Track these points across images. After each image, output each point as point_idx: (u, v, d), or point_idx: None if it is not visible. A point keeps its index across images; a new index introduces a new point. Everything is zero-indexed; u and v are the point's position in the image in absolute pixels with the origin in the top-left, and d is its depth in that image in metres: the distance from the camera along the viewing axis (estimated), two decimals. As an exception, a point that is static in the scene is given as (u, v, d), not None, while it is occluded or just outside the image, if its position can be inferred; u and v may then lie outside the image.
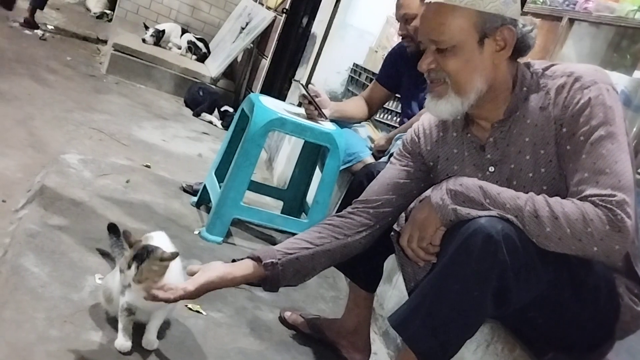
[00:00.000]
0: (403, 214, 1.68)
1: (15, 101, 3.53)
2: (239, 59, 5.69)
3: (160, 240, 1.65)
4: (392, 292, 2.17)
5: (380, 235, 1.72)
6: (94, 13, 7.63)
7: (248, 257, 1.55)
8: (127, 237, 1.54)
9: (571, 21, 2.53)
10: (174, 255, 1.51)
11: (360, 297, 1.90)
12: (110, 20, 7.16)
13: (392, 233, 1.64)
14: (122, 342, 1.58)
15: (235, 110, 4.80)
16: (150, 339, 1.63)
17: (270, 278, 1.54)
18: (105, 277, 1.76)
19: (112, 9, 7.22)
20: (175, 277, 1.57)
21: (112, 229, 1.92)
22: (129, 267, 1.49)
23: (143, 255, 1.49)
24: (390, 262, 2.00)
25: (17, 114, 3.33)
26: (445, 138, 1.55)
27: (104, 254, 1.99)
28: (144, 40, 5.55)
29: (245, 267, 1.52)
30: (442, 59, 1.37)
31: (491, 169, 1.44)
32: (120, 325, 1.59)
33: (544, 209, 1.24)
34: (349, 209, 1.64)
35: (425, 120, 1.62)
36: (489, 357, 1.58)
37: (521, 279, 1.26)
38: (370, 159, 2.64)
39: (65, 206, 2.29)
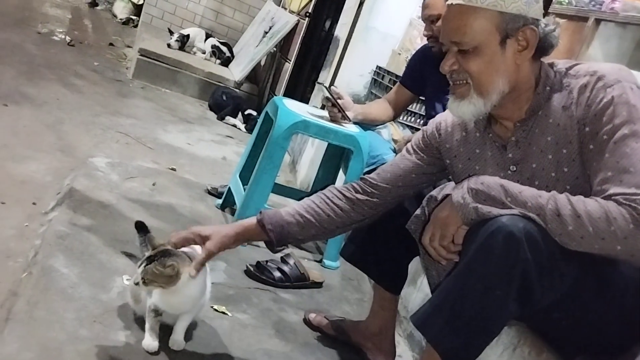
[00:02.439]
0: (419, 210, 1.69)
1: (45, 106, 3.60)
2: (262, 63, 5.73)
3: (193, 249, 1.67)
4: (417, 295, 2.17)
5: (406, 238, 1.73)
6: (120, 19, 7.75)
7: (255, 219, 1.63)
8: (151, 240, 1.57)
9: (597, 22, 2.50)
10: (174, 270, 1.52)
11: (385, 299, 1.90)
12: (135, 26, 7.26)
13: (408, 224, 1.65)
14: (150, 342, 1.60)
15: (259, 114, 4.84)
16: (177, 339, 1.65)
17: (271, 243, 1.64)
18: (133, 278, 1.78)
19: (138, 14, 7.33)
20: (199, 284, 1.60)
21: (140, 227, 1.94)
22: (140, 265, 1.52)
23: (153, 258, 1.52)
24: (415, 264, 1.99)
25: (47, 118, 3.40)
26: (467, 138, 1.55)
27: (131, 256, 2.01)
28: (169, 45, 5.62)
29: (250, 231, 1.63)
30: (464, 60, 1.37)
31: (513, 168, 1.43)
32: (147, 326, 1.62)
33: (566, 207, 1.23)
34: (355, 188, 1.67)
35: (448, 117, 1.62)
36: (515, 360, 1.56)
37: (544, 278, 1.25)
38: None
39: (94, 208, 2.33)
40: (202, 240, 1.57)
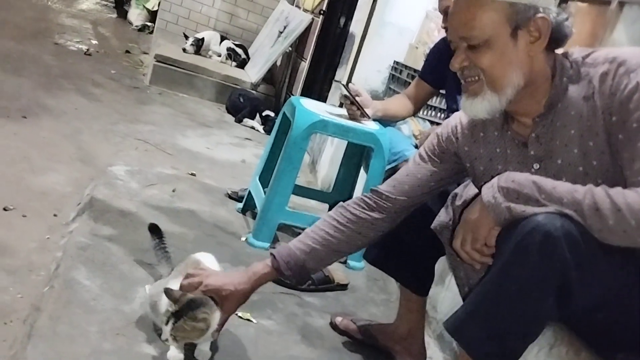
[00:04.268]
0: (443, 209, 1.64)
1: (63, 116, 3.61)
2: (278, 63, 5.69)
3: (206, 261, 1.64)
4: (445, 294, 2.11)
5: (431, 238, 1.68)
6: (136, 26, 7.78)
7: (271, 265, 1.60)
8: (170, 294, 1.49)
9: (621, 4, 2.41)
10: (207, 323, 1.48)
11: (412, 301, 1.85)
12: (151, 32, 7.28)
13: (433, 225, 1.60)
14: (175, 354, 1.57)
15: (277, 115, 4.80)
16: (202, 349, 1.61)
17: (290, 279, 1.62)
18: (150, 287, 1.76)
19: (153, 21, 7.35)
20: None
21: (154, 229, 1.92)
22: (167, 322, 1.47)
23: (182, 313, 1.46)
24: (442, 263, 1.94)
25: (66, 128, 3.40)
26: (486, 137, 1.49)
27: (152, 266, 1.98)
28: (184, 50, 5.61)
29: (268, 278, 1.61)
30: (475, 55, 1.31)
31: (536, 165, 1.36)
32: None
33: (604, 201, 1.16)
34: (370, 205, 1.62)
35: (463, 118, 1.56)
36: (552, 361, 1.50)
37: (585, 278, 1.19)
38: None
39: (114, 218, 2.31)
40: (221, 300, 1.53)
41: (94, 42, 6.21)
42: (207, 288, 1.52)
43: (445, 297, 2.10)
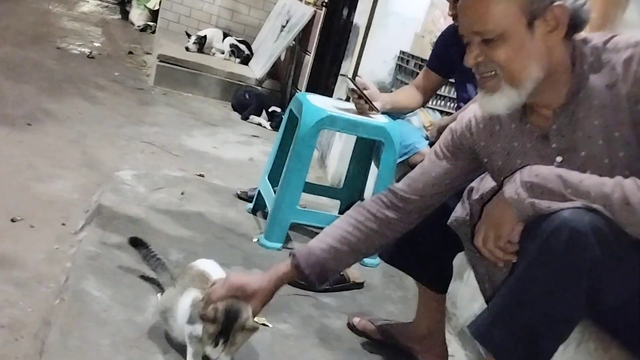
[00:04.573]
0: (460, 204, 1.59)
1: (67, 121, 3.57)
2: (282, 58, 5.63)
3: (208, 268, 1.59)
4: (464, 290, 2.05)
5: (447, 233, 1.63)
6: (138, 26, 7.73)
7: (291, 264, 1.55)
8: (206, 317, 1.43)
9: (633, -17, 2.34)
10: (254, 329, 1.45)
11: (431, 299, 1.80)
12: (153, 32, 7.23)
13: (450, 221, 1.57)
14: None
15: (283, 110, 4.76)
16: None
17: (312, 283, 1.59)
18: (162, 296, 1.71)
19: (155, 20, 7.29)
20: None
21: (135, 242, 1.87)
22: (216, 344, 1.42)
23: (229, 329, 1.42)
24: (459, 258, 1.88)
25: (70, 133, 3.36)
26: (502, 131, 1.42)
27: (147, 279, 1.92)
28: (187, 49, 5.56)
29: (289, 277, 1.57)
30: (490, 50, 1.24)
31: (559, 159, 1.30)
32: (190, 350, 1.54)
33: (635, 194, 1.10)
34: (386, 203, 1.57)
35: (477, 112, 1.50)
36: (581, 357, 1.45)
37: (615, 274, 1.13)
38: (427, 150, 2.53)
39: (123, 224, 2.27)
40: (247, 298, 1.49)
41: (97, 44, 6.16)
42: (232, 286, 1.47)
43: (464, 292, 2.05)
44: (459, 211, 1.60)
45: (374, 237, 1.58)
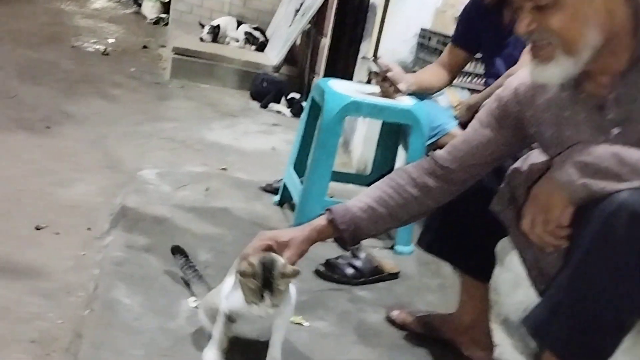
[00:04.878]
0: (502, 187, 1.50)
1: (86, 122, 3.54)
2: (298, 43, 5.53)
3: None
4: (506, 276, 1.96)
5: (490, 219, 1.54)
6: (150, 19, 7.67)
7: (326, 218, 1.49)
8: (244, 272, 1.35)
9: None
10: (295, 272, 1.39)
11: (474, 288, 1.71)
12: (167, 24, 7.16)
13: (492, 205, 1.49)
14: (213, 352, 1.47)
15: (302, 96, 4.68)
16: (274, 355, 1.49)
17: (344, 242, 1.52)
18: (206, 297, 1.64)
19: (167, 12, 7.22)
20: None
21: (176, 250, 1.85)
22: (261, 297, 1.35)
23: (269, 278, 1.36)
24: (500, 243, 1.79)
25: (90, 134, 3.33)
26: (553, 100, 1.33)
27: (186, 282, 1.86)
28: (201, 39, 5.49)
29: (323, 233, 1.50)
30: (543, 17, 1.15)
31: (615, 130, 1.20)
32: (215, 336, 1.48)
33: None
34: (427, 170, 1.50)
35: (526, 78, 1.40)
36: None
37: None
38: (457, 130, 2.44)
39: (149, 226, 2.22)
40: (280, 247, 1.44)
41: (111, 40, 6.11)
42: (265, 237, 1.43)
43: (506, 278, 1.96)
44: (502, 195, 1.52)
45: (413, 203, 1.50)
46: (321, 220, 1.49)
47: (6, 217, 2.25)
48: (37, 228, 2.19)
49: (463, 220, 1.63)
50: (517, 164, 1.52)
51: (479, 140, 1.47)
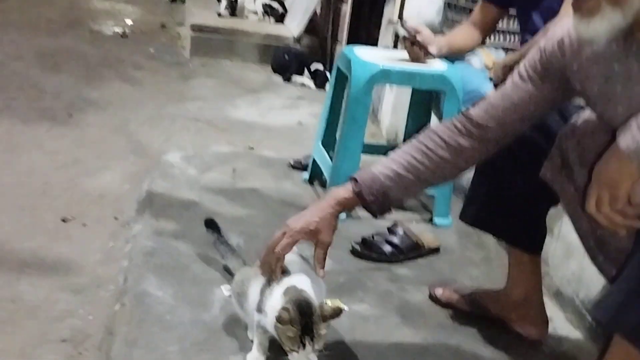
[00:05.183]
0: (553, 152, 1.38)
1: (109, 108, 3.48)
2: (318, 11, 5.37)
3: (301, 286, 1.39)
4: (557, 245, 1.84)
5: (539, 186, 1.43)
6: (167, -2, 7.55)
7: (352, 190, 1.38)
8: (282, 319, 1.25)
9: None
10: (336, 311, 1.30)
11: (524, 261, 1.60)
12: (184, 2, 7.04)
13: (542, 172, 1.40)
14: (256, 355, 1.39)
15: (326, 67, 4.55)
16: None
17: (373, 212, 1.42)
18: (237, 275, 1.56)
19: (183, -11, 7.10)
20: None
21: (210, 224, 1.75)
22: (303, 346, 1.26)
23: (310, 323, 1.26)
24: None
25: (113, 120, 3.27)
26: (600, 53, 1.20)
27: (227, 270, 1.78)
28: (219, 15, 5.36)
29: (349, 204, 1.41)
30: None
31: None
32: (255, 341, 1.41)
33: None
34: (459, 129, 1.38)
35: (572, 29, 1.27)
36: None
37: None
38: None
39: (177, 212, 2.15)
40: (313, 235, 1.36)
41: (129, 22, 6.02)
42: (295, 231, 1.34)
43: (557, 248, 1.84)
44: (553, 160, 1.40)
45: (445, 166, 1.40)
46: (346, 192, 1.39)
47: (32, 210, 2.20)
48: (64, 220, 2.14)
49: (510, 190, 1.52)
50: (566, 127, 1.40)
51: (520, 96, 1.35)
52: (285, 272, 1.39)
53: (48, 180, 2.45)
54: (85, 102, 3.49)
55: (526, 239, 1.58)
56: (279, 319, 1.25)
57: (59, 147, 2.79)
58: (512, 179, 1.50)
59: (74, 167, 2.60)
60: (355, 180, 1.38)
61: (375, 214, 1.42)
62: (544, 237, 1.60)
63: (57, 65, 4.14)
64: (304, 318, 1.25)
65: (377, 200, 1.38)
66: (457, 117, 1.41)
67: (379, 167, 1.40)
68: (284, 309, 1.26)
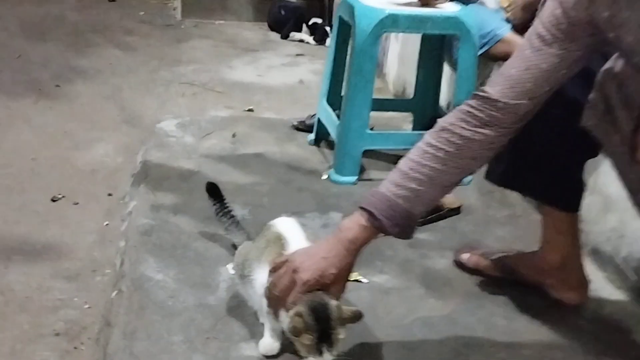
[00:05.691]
0: (593, 94, 1.20)
1: (99, 76, 3.32)
2: (313, -38, 5.11)
3: (287, 231, 1.29)
4: (594, 199, 1.66)
5: (576, 136, 1.27)
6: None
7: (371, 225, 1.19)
8: (296, 329, 1.11)
9: None
10: (356, 315, 1.15)
11: (560, 221, 1.43)
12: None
13: (584, 120, 1.24)
14: (268, 342, 1.26)
15: (325, 21, 4.34)
16: None
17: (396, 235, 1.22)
18: (238, 253, 1.43)
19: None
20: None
21: (212, 190, 1.58)
22: (320, 353, 1.11)
23: (327, 329, 1.11)
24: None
25: (104, 89, 3.12)
26: None
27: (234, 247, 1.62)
28: (209, -29, 5.12)
29: (369, 239, 1.21)
30: None
31: None
32: (267, 326, 1.27)
33: None
34: (480, 119, 1.18)
35: None
36: None
37: None
38: (511, 35, 2.12)
39: (175, 184, 2.00)
40: (326, 288, 1.18)
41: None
42: (308, 285, 1.15)
43: (594, 202, 1.66)
44: (594, 106, 1.22)
45: (470, 164, 1.23)
46: (363, 229, 1.18)
47: (19, 192, 2.06)
48: (54, 200, 2.01)
49: (541, 143, 1.35)
50: (607, 66, 1.22)
51: (549, 62, 1.15)
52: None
53: (36, 157, 2.30)
54: (73, 72, 3.33)
55: (562, 196, 1.41)
56: (293, 331, 1.11)
57: (46, 121, 2.64)
58: (543, 130, 1.32)
59: (63, 141, 2.45)
60: (370, 212, 1.18)
61: (404, 238, 1.24)
62: (582, 193, 1.43)
63: (42, 34, 3.96)
64: (320, 324, 1.11)
65: (403, 226, 1.19)
66: (472, 103, 1.19)
67: (391, 188, 1.19)
68: (298, 314, 1.11)
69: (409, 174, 1.19)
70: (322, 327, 1.10)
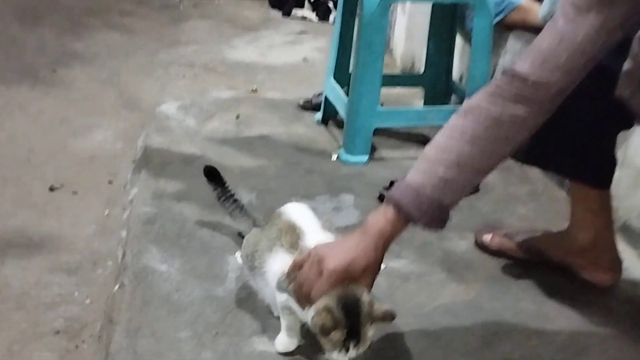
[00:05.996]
0: (628, 63, 1.10)
1: (96, 60, 3.20)
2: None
3: (299, 218, 1.20)
4: (624, 173, 1.56)
5: (607, 108, 1.18)
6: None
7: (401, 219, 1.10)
8: (326, 328, 1.02)
9: None
10: (388, 315, 1.07)
11: (591, 198, 1.34)
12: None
13: (619, 89, 1.12)
14: (285, 339, 1.19)
15: (329, -5, 4.23)
16: None
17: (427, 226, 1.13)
18: (246, 241, 1.32)
19: None
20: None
21: (211, 175, 1.48)
22: (346, 350, 1.03)
23: (356, 325, 1.03)
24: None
25: (101, 73, 3.01)
26: None
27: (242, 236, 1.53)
28: (207, -50, 4.98)
29: (396, 231, 1.12)
30: None
31: None
32: (283, 323, 1.19)
33: None
34: (513, 98, 1.08)
35: None
36: None
37: None
38: (528, 3, 2.00)
39: (177, 169, 1.91)
40: (354, 281, 1.09)
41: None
42: (336, 274, 1.06)
43: (624, 176, 1.56)
44: (630, 75, 1.11)
45: (501, 146, 1.12)
46: (393, 224, 1.10)
47: (15, 181, 1.98)
48: (52, 189, 1.92)
49: (571, 116, 1.24)
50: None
51: (586, 32, 1.04)
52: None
53: (32, 145, 2.21)
54: (70, 56, 3.22)
55: (592, 172, 1.31)
56: (321, 329, 1.01)
57: (43, 107, 2.54)
58: (572, 102, 1.20)
59: (60, 128, 2.36)
60: (396, 203, 1.09)
61: (437, 229, 1.15)
62: (614, 168, 1.33)
63: (37, 19, 3.84)
64: (349, 319, 1.02)
65: (433, 217, 1.11)
66: (500, 82, 1.10)
67: (419, 178, 1.10)
68: (326, 309, 1.02)
69: (437, 160, 1.10)
70: (352, 322, 1.02)
